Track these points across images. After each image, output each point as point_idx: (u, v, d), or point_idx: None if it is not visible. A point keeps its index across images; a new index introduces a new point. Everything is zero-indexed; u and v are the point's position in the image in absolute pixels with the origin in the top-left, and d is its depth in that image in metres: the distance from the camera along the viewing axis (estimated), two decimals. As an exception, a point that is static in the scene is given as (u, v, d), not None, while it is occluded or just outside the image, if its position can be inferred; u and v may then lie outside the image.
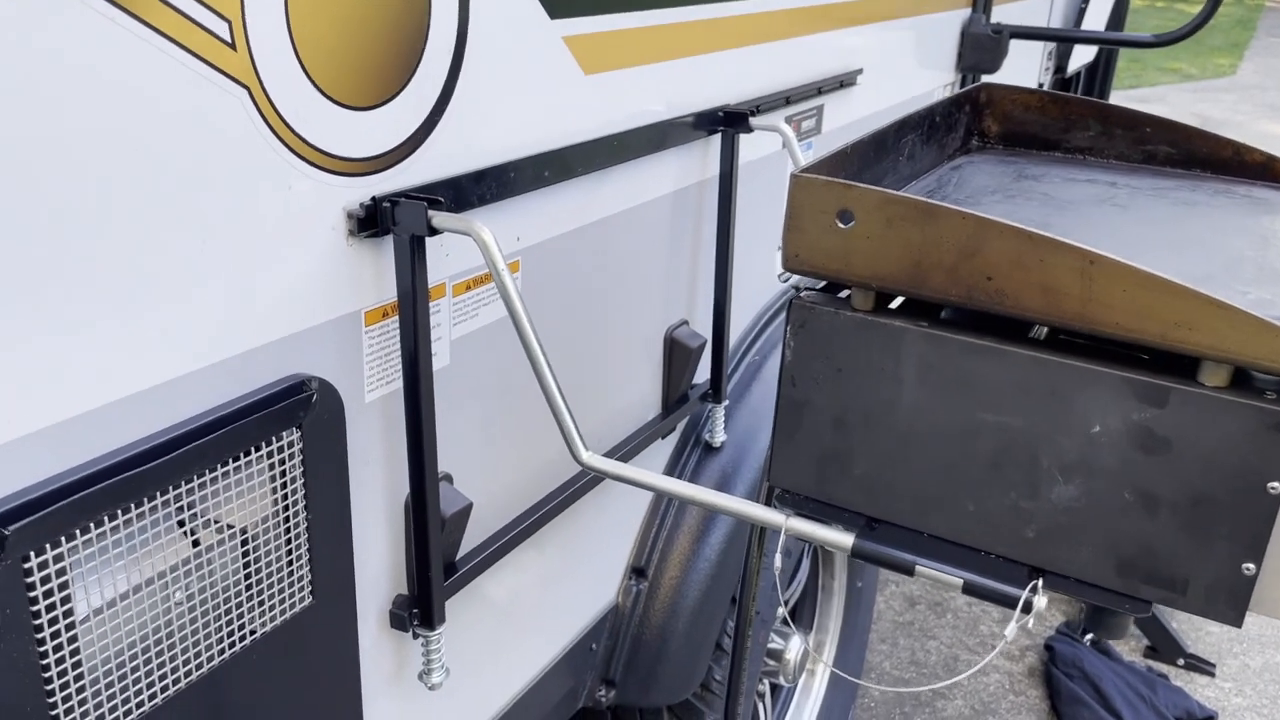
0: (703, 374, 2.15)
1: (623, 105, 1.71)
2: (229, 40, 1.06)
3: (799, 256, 1.09)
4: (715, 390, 2.13)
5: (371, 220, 1.25)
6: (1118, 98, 5.71)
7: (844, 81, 2.49)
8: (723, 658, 2.27)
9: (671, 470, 2.17)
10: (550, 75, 1.54)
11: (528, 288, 1.59)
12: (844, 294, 1.14)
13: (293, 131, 1.15)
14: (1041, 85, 4.59)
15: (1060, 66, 4.78)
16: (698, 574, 2.14)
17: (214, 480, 1.13)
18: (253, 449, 1.16)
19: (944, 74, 3.32)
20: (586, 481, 1.80)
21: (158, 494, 1.06)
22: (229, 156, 1.09)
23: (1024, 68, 4.26)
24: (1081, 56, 5.01)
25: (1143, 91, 13.42)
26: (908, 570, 1.08)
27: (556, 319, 1.69)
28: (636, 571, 2.12)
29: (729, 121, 1.96)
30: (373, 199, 1.25)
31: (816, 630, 3.03)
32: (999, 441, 1.05)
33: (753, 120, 1.94)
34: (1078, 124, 1.66)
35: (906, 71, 3.02)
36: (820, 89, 2.37)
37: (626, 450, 1.90)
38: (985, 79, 3.56)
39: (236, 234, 1.11)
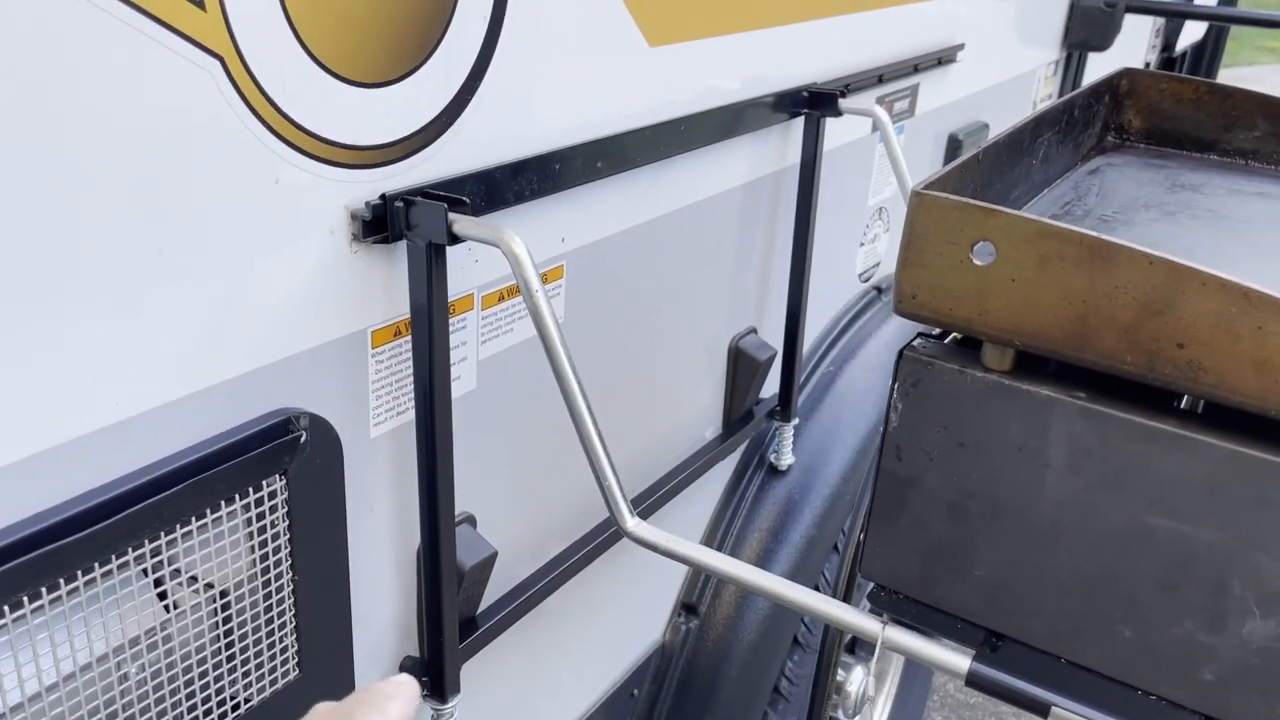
0: (770, 387, 1.90)
1: (693, 83, 1.46)
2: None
3: (917, 298, 0.83)
4: (784, 406, 1.89)
5: (381, 223, 1.02)
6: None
7: (943, 58, 2.21)
8: (779, 702, 2.04)
9: (731, 495, 1.93)
10: (609, 46, 1.29)
11: (573, 295, 1.36)
12: (951, 339, 0.89)
13: (280, 113, 0.92)
14: (1148, 64, 4.22)
15: (1169, 44, 4.40)
16: (755, 611, 1.90)
17: (172, 544, 0.91)
18: (223, 503, 0.95)
19: (1048, 50, 3.00)
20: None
21: (96, 564, 0.85)
22: (195, 144, 0.86)
23: (1130, 45, 3.90)
24: (1190, 34, 4.61)
25: (1239, 71, 12.73)
26: (1041, 711, 0.84)
27: (605, 328, 1.46)
28: (687, 608, 1.89)
29: (814, 103, 1.70)
30: (382, 197, 1.02)
31: (879, 659, 2.79)
32: (1175, 555, 0.80)
33: (842, 103, 1.67)
34: (1241, 121, 1.38)
35: (1008, 47, 2.71)
36: (917, 66, 2.09)
37: (682, 476, 1.66)
38: (1087, 71, 3.23)
39: (204, 239, 0.89)
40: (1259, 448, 0.75)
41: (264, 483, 0.98)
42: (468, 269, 1.18)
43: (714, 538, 1.90)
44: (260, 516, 0.99)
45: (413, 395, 1.14)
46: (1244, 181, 1.29)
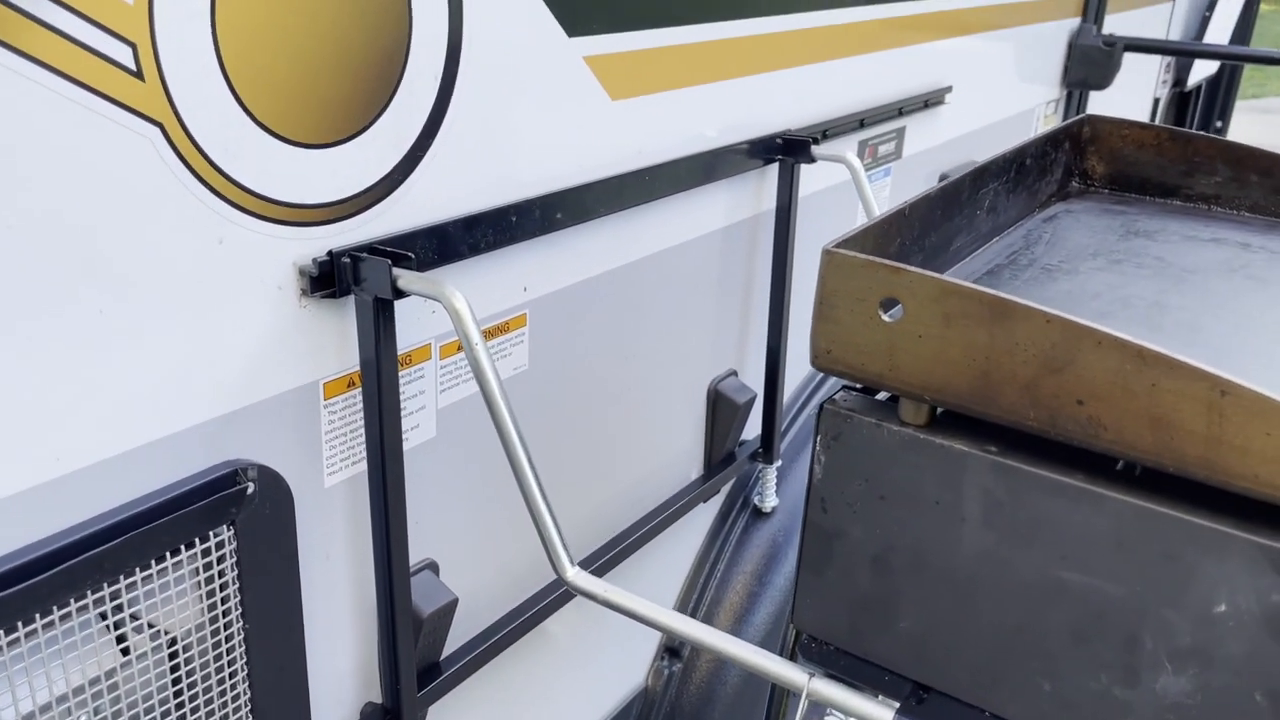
0: (752, 428, 1.91)
1: (659, 134, 1.49)
2: (133, 68, 0.86)
3: (831, 353, 0.84)
4: (767, 449, 1.89)
5: (329, 279, 1.05)
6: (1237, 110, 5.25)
7: (929, 101, 2.22)
8: (767, 746, 2.03)
9: (715, 537, 1.94)
10: (568, 101, 1.32)
11: (539, 342, 1.38)
12: (882, 395, 0.90)
13: (223, 175, 0.95)
14: (1158, 100, 4.21)
15: (1179, 80, 4.39)
16: (740, 654, 1.89)
17: (127, 589, 0.94)
18: (169, 553, 0.97)
19: (1048, 89, 3.01)
20: (610, 559, 1.58)
21: (38, 615, 0.87)
22: (137, 207, 0.89)
23: (1138, 84, 3.90)
24: (1203, 69, 4.60)
25: (1266, 102, 12.63)
26: (961, 765, 0.84)
27: (574, 373, 1.48)
28: (670, 651, 1.89)
29: (788, 150, 1.72)
30: (329, 254, 1.05)
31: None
32: (1088, 609, 0.80)
33: (815, 149, 1.69)
34: (1202, 167, 1.38)
35: (1004, 87, 2.73)
36: (901, 110, 2.11)
37: (663, 516, 1.67)
38: (1090, 108, 3.24)
39: (149, 299, 0.92)
40: (1161, 501, 0.75)
41: (211, 533, 1.00)
42: (425, 320, 1.20)
43: (697, 580, 1.90)
44: (209, 566, 1.02)
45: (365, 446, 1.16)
46: (1201, 227, 1.29)
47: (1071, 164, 1.43)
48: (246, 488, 1.02)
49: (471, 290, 1.24)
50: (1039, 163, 1.32)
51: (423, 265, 1.13)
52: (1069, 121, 1.41)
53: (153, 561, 0.96)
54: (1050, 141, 1.35)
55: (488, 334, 1.29)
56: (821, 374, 2.13)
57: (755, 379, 1.88)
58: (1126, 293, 1.06)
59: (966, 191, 1.10)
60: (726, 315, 1.79)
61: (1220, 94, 5.11)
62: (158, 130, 0.89)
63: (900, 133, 2.18)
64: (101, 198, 0.86)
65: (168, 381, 0.95)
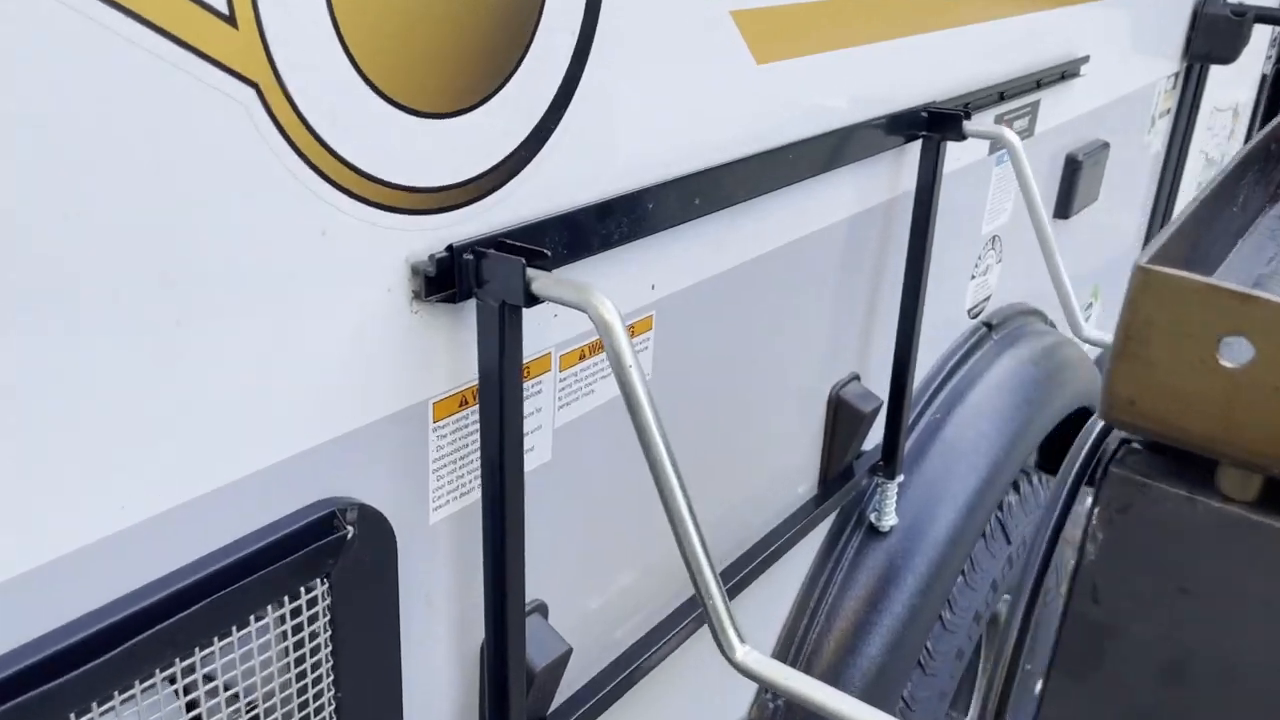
0: (871, 438, 1.70)
1: (803, 105, 1.28)
2: (224, 11, 0.67)
3: (1136, 404, 0.64)
4: (889, 462, 1.69)
5: (446, 279, 0.86)
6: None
7: (1066, 73, 1.99)
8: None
9: (826, 558, 1.74)
10: (712, 64, 1.11)
11: (662, 349, 1.18)
12: (1168, 452, 0.69)
13: (328, 150, 0.75)
14: (1264, 77, 3.92)
15: (1285, 54, 4.09)
16: (850, 687, 1.70)
17: (189, 665, 0.76)
18: (252, 618, 0.79)
19: (1168, 63, 2.76)
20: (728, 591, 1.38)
21: (95, 702, 0.69)
22: (224, 191, 0.70)
23: (1247, 59, 3.61)
24: (1311, 42, 4.29)
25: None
26: None
27: (692, 382, 1.28)
28: (774, 683, 1.70)
29: (934, 125, 1.50)
30: (449, 249, 0.86)
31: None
32: None
33: (967, 125, 1.47)
34: None
35: (1128, 60, 2.48)
36: (1039, 81, 1.88)
37: (775, 546, 1.48)
38: (1208, 84, 2.97)
39: (233, 306, 0.73)
40: None
41: (302, 589, 0.82)
42: (545, 325, 1.01)
43: (806, 606, 1.71)
44: (299, 628, 0.83)
45: (479, 473, 0.97)
46: None
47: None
48: (346, 533, 0.83)
49: (600, 289, 1.05)
50: (1276, 150, 1.10)
51: (551, 263, 0.94)
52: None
53: (234, 627, 0.78)
54: (1287, 123, 1.13)
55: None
56: (940, 374, 1.93)
57: (877, 383, 1.67)
58: None
59: (1231, 185, 0.89)
60: (850, 312, 1.59)
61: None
62: (252, 93, 0.70)
63: (1034, 108, 1.95)
64: (179, 181, 0.67)
65: (253, 407, 0.76)
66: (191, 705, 0.80)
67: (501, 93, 0.87)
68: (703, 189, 1.12)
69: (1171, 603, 0.67)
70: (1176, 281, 0.60)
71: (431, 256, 0.84)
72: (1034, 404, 1.99)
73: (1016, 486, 2.09)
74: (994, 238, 1.98)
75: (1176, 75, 2.85)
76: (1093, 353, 2.52)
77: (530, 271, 0.84)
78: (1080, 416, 2.23)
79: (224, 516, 0.76)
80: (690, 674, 1.44)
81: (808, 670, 1.71)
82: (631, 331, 1.13)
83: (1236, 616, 0.65)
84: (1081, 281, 2.52)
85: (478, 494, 0.98)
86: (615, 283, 1.08)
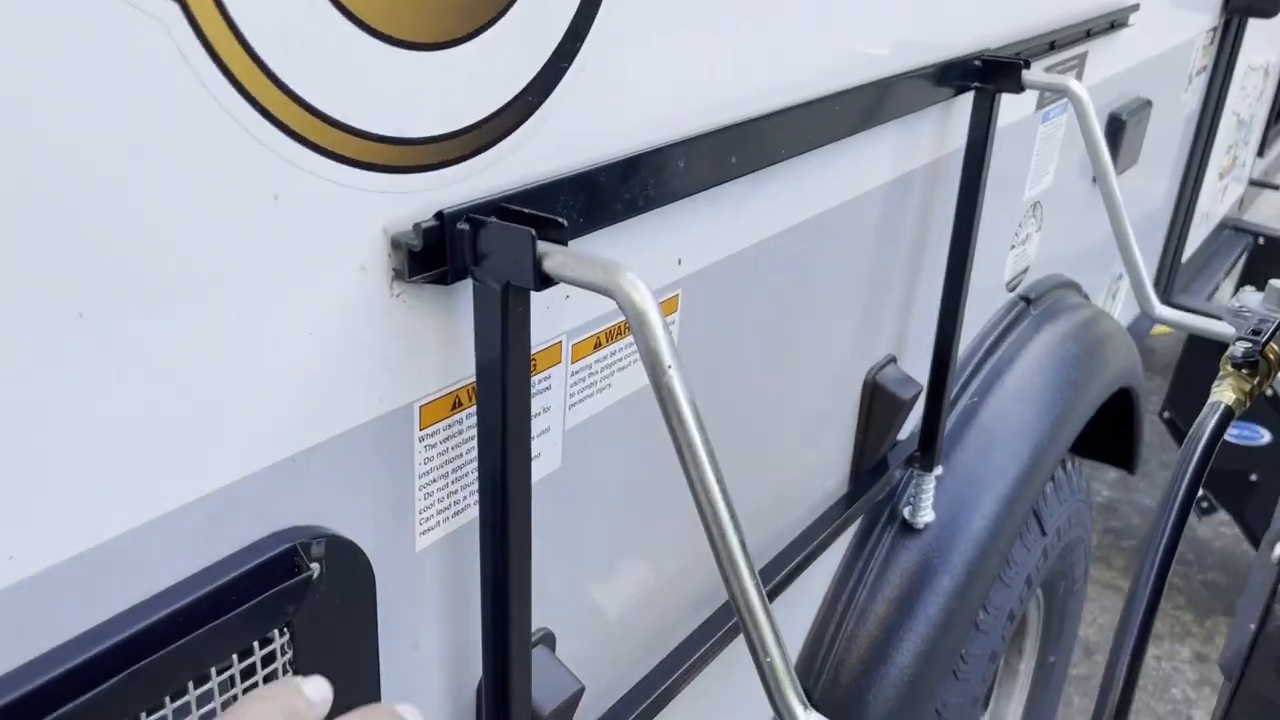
0: (907, 426, 1.54)
1: (853, 46, 1.10)
2: (131, -109, 0.49)
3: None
4: (926, 452, 1.53)
5: (436, 254, 0.68)
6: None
7: (1115, 21, 1.81)
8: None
9: (855, 558, 1.58)
10: (750, -3, 0.94)
11: (688, 336, 1.01)
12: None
13: (282, 88, 0.58)
14: (1297, 33, 3.73)
15: (1316, 11, 3.90)
16: (880, 696, 1.55)
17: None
18: (192, 685, 0.62)
19: (1206, 16, 2.58)
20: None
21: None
22: (134, 140, 0.53)
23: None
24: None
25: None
26: None
27: (721, 372, 1.11)
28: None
29: (988, 75, 1.33)
30: (438, 216, 0.68)
31: (991, 715, 2.43)
32: None
33: (1026, 75, 1.30)
34: None
35: (1171, 11, 2.30)
36: (1090, 31, 1.70)
37: (807, 551, 1.32)
38: (1246, 39, 2.79)
39: (154, 293, 0.56)
40: None
41: (257, 644, 0.65)
42: (556, 308, 0.84)
43: (833, 612, 1.56)
44: (253, 690, 0.67)
45: (475, 488, 0.80)
46: None
47: None
48: (310, 573, 0.66)
49: (619, 265, 0.88)
50: None
51: (570, 234, 0.76)
52: None
53: (167, 699, 0.61)
54: None
55: (625, 329, 0.92)
56: (978, 354, 1.76)
57: (915, 366, 1.51)
58: None
59: None
60: (888, 288, 1.42)
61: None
62: (176, 9, 0.52)
63: (1082, 60, 1.78)
64: (76, 127, 0.50)
65: (186, 419, 0.59)
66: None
67: (504, 19, 0.69)
68: (743, 144, 0.94)
69: (1396, 690, 0.51)
70: None
71: (417, 226, 0.67)
72: (1076, 385, 1.83)
73: (1052, 473, 1.93)
74: (1035, 204, 1.81)
75: (1214, 30, 2.67)
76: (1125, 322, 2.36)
77: (542, 246, 0.66)
78: (1122, 398, 2.07)
79: (150, 560, 0.60)
80: (710, 701, 1.28)
81: (834, 679, 1.56)
82: (654, 313, 0.96)
83: None
84: (1114, 253, 2.36)
85: (474, 511, 0.82)
86: (638, 257, 0.90)
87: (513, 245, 0.67)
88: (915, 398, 1.45)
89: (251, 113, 0.57)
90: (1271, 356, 0.88)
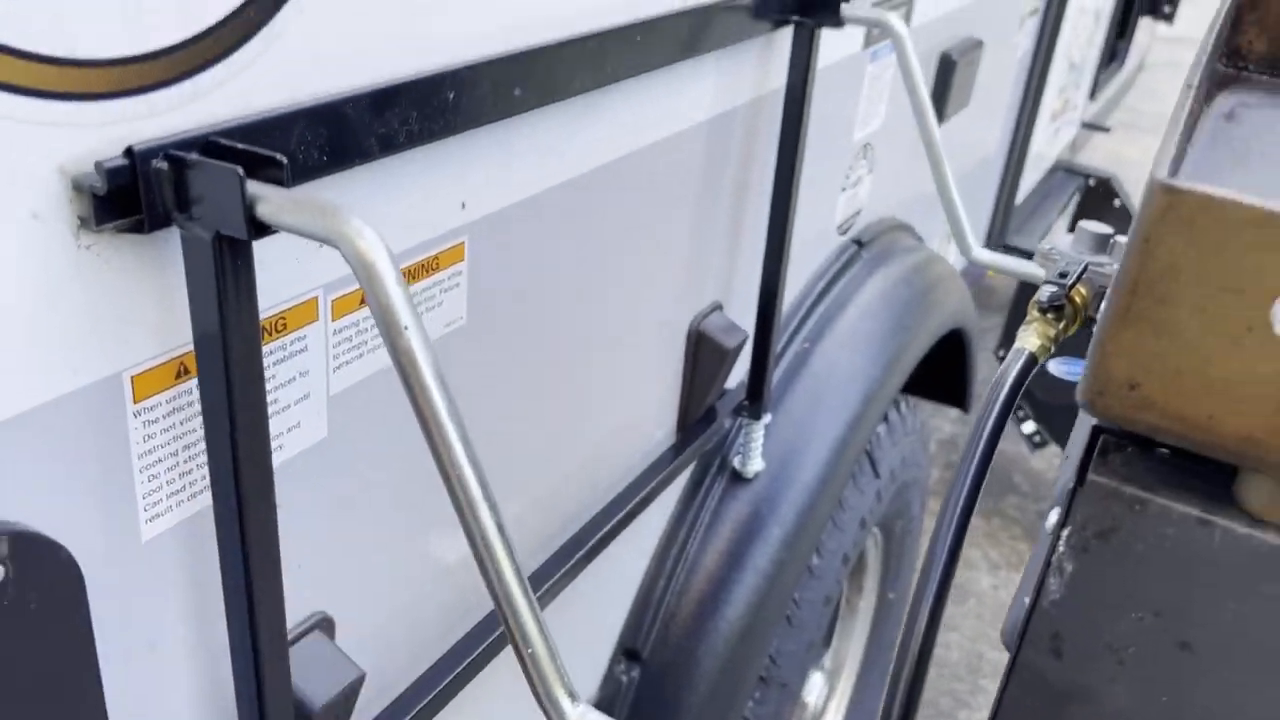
0: (735, 374, 1.50)
1: (653, -27, 1.02)
2: None
3: (1140, 389, 0.43)
4: (755, 400, 1.49)
5: (128, 199, 0.58)
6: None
7: (946, -44, 1.78)
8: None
9: (685, 510, 1.54)
10: (531, -91, 0.84)
11: (478, 282, 0.93)
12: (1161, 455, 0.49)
13: (-117, -8, 0.46)
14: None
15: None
16: (711, 650, 1.53)
17: None
18: None
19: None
20: (572, 567, 1.17)
21: None
22: None
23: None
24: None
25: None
26: None
27: (525, 325, 1.03)
28: (628, 654, 1.51)
29: (807, 9, 1.27)
30: (128, 153, 0.57)
31: (834, 654, 2.47)
32: None
33: (846, 10, 1.24)
34: None
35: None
36: (917, -34, 1.67)
37: (630, 507, 1.26)
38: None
39: None
40: None
41: (-82, 667, 0.55)
42: (306, 257, 0.74)
43: (663, 564, 1.51)
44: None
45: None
46: None
47: (1226, 40, 1.03)
48: (-15, 582, 0.56)
49: (385, 210, 0.78)
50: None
51: (303, 173, 0.67)
52: (1235, -19, 1.00)
53: None
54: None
55: (407, 276, 0.84)
56: (808, 300, 1.73)
57: (741, 314, 1.46)
58: None
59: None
60: (711, 232, 1.36)
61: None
62: None
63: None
64: None
65: None
66: None
67: (208, -81, 0.59)
68: (529, 75, 0.86)
69: (1169, 661, 0.47)
70: (1222, 207, 0.39)
71: (99, 165, 0.56)
72: (907, 329, 1.82)
73: (885, 415, 1.93)
74: (866, 145, 1.78)
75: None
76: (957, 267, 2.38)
77: (255, 187, 0.57)
78: (954, 339, 2.09)
79: None
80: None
81: (665, 631, 1.52)
82: (437, 264, 0.87)
83: (1259, 681, 0.46)
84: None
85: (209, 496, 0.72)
86: (410, 197, 0.81)
87: (222, 186, 0.57)
88: (741, 345, 1.40)
89: None
90: (1078, 300, 0.85)
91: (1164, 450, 0.48)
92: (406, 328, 0.57)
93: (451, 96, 0.78)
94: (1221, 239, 0.39)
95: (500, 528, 0.61)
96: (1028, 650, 0.50)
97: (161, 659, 0.73)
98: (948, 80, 2.01)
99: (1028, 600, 0.50)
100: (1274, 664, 0.45)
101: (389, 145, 0.73)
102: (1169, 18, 4.65)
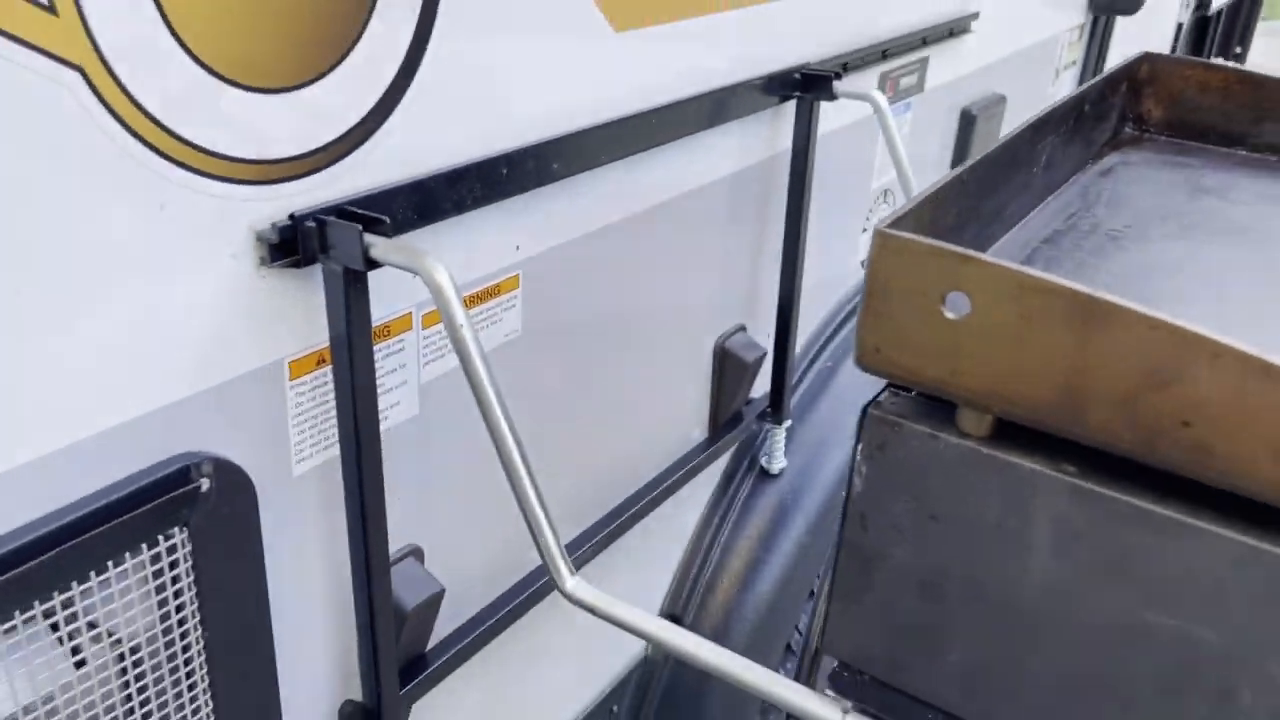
0: (760, 386, 1.78)
1: (666, 70, 1.33)
2: (44, 1, 0.71)
3: (880, 351, 0.71)
4: (776, 408, 1.77)
5: (291, 246, 0.91)
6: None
7: (955, 29, 2.06)
8: (770, 711, 1.95)
9: (719, 501, 1.83)
10: (567, 32, 1.16)
11: (532, 305, 1.24)
12: (916, 399, 0.77)
13: (161, 128, 0.80)
14: (1180, 26, 4.01)
15: (1202, 3, 4.18)
16: (743, 620, 1.80)
17: (72, 600, 0.82)
18: (110, 564, 0.85)
19: (1073, 15, 2.83)
20: (612, 531, 1.47)
21: (-44, 644, 0.76)
22: (57, 170, 0.75)
23: (1162, 8, 3.70)
24: (1228, -10, 4.39)
25: (1272, 25, 12.27)
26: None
27: (573, 339, 1.35)
28: (671, 619, 1.79)
29: (807, 86, 1.56)
30: (291, 217, 0.91)
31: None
32: (1177, 657, 0.68)
33: (837, 85, 1.54)
34: (1273, 113, 1.24)
35: (1028, 12, 2.55)
36: (925, 39, 1.94)
37: (664, 486, 1.56)
38: (1115, 35, 3.05)
39: (79, 276, 0.78)
40: (1276, 541, 0.63)
41: (162, 537, 0.88)
42: (406, 285, 1.07)
43: (700, 545, 1.80)
44: (159, 573, 0.90)
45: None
46: (1273, 183, 1.16)
47: (1126, 108, 1.29)
48: (200, 485, 0.89)
49: (458, 251, 1.11)
50: (1097, 107, 1.17)
51: (402, 227, 1.00)
52: (1127, 61, 1.27)
53: (93, 573, 0.84)
54: (1108, 84, 1.20)
55: (475, 299, 1.16)
56: (832, 325, 2.01)
57: (764, 333, 1.75)
58: (1206, 266, 0.92)
59: (1025, 148, 0.96)
60: (734, 266, 1.66)
61: (1241, 18, 4.90)
62: (77, 76, 0.74)
63: (923, 64, 2.02)
64: (14, 162, 0.72)
65: (105, 369, 0.82)
66: (75, 650, 0.87)
67: (343, 65, 0.92)
68: (562, 154, 1.18)
69: (924, 529, 0.75)
70: (908, 244, 0.67)
71: (274, 225, 0.90)
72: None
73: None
74: (885, 191, 2.05)
75: (1082, 27, 2.92)
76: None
77: (368, 237, 0.89)
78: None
79: (85, 470, 0.82)
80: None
81: (703, 607, 1.80)
82: (497, 290, 1.19)
83: (977, 539, 0.73)
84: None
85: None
86: (477, 242, 1.13)
87: (346, 237, 0.90)
88: (760, 360, 1.69)
89: (140, 147, 0.79)
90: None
91: (911, 393, 0.75)
92: (461, 325, 0.89)
93: (506, 171, 1.10)
94: (912, 262, 0.67)
95: (517, 441, 0.92)
96: (847, 528, 0.78)
97: (304, 561, 1.05)
98: (969, 132, 2.28)
99: (843, 493, 0.78)
100: (984, 525, 0.72)
101: (460, 207, 1.06)
102: (1240, 58, 4.76)
